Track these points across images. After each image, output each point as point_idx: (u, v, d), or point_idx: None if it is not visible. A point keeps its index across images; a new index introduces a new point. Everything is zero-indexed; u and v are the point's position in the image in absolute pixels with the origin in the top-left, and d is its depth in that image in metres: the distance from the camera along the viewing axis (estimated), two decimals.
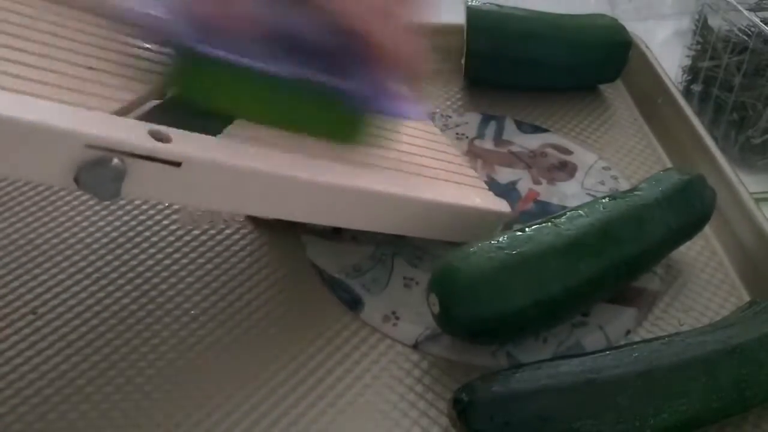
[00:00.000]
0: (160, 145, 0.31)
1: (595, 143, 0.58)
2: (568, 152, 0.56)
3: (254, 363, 0.39)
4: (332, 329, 0.41)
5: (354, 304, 0.43)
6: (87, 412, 0.36)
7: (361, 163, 0.41)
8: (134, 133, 0.31)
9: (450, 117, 0.58)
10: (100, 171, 0.29)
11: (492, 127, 0.58)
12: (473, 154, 0.54)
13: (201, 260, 0.44)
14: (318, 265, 0.44)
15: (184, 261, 0.44)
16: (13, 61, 0.32)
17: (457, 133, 0.56)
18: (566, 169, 0.54)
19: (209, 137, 0.35)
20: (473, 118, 0.58)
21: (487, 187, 0.48)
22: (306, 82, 0.36)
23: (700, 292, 0.46)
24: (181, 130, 0.33)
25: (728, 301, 0.45)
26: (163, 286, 0.42)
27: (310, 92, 0.37)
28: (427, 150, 0.48)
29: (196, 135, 0.34)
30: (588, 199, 0.50)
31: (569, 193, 0.52)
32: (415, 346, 0.41)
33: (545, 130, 0.58)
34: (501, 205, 0.46)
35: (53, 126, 0.28)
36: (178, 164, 0.31)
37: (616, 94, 0.64)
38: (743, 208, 0.49)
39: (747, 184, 0.50)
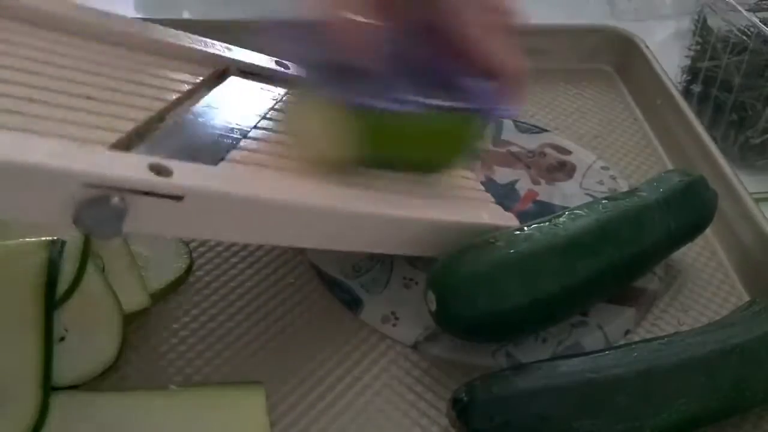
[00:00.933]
0: (161, 179, 0.30)
1: (594, 143, 0.58)
2: (567, 152, 0.56)
3: (253, 363, 0.39)
4: (331, 330, 0.41)
5: (353, 304, 0.43)
6: None
7: (365, 185, 0.40)
8: (134, 169, 0.29)
9: None
10: (100, 210, 0.28)
11: (491, 127, 0.58)
12: None
13: (201, 260, 0.44)
14: (317, 266, 0.44)
15: None
16: (6, 95, 0.32)
17: None
18: (565, 169, 0.54)
19: (209, 167, 0.34)
20: None
21: (494, 200, 0.47)
22: (441, 108, 0.39)
23: (700, 292, 0.46)
24: (182, 162, 0.32)
25: (728, 300, 0.45)
26: None
27: (445, 115, 0.39)
28: None
29: (196, 166, 0.33)
30: (587, 199, 0.50)
31: (568, 193, 0.52)
32: (415, 347, 0.41)
33: (544, 130, 0.58)
34: (509, 221, 0.45)
35: (49, 166, 0.27)
36: (180, 198, 0.30)
37: (615, 94, 0.64)
38: (743, 208, 0.49)
39: (746, 184, 0.50)
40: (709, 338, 0.37)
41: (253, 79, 0.45)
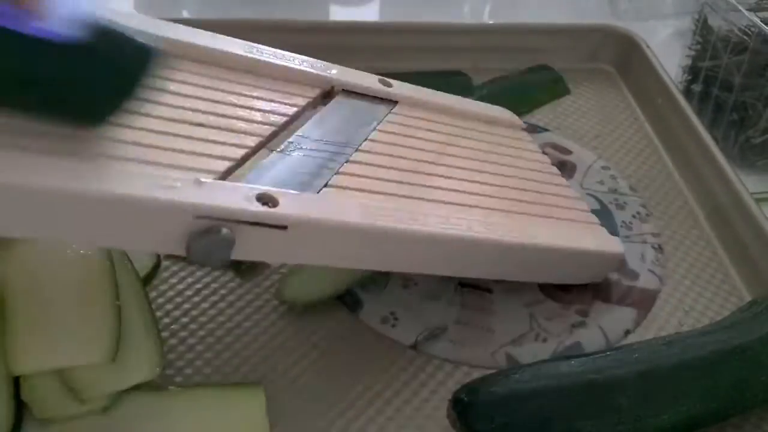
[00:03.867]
0: (267, 210, 0.31)
1: (594, 143, 0.58)
2: (568, 152, 0.56)
3: (253, 363, 0.39)
4: (331, 330, 0.41)
5: (353, 304, 0.42)
6: None
7: (468, 204, 0.39)
8: (243, 200, 0.30)
9: None
10: (211, 241, 0.29)
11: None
12: None
13: None
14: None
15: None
16: (128, 126, 0.31)
17: None
18: (565, 169, 0.54)
19: (312, 196, 0.34)
20: None
21: (599, 222, 0.46)
22: None
23: (701, 293, 0.46)
24: (287, 191, 0.32)
25: (728, 301, 0.45)
26: (163, 287, 0.42)
27: None
28: (536, 183, 0.46)
29: (300, 195, 0.33)
30: (587, 198, 0.50)
31: None
32: (414, 347, 0.41)
33: (545, 130, 0.58)
34: (615, 246, 0.44)
35: (164, 200, 0.28)
36: (284, 228, 0.31)
37: (615, 93, 0.64)
38: (744, 208, 0.49)
39: (747, 183, 0.50)
40: (710, 339, 0.37)
41: (357, 98, 0.45)
